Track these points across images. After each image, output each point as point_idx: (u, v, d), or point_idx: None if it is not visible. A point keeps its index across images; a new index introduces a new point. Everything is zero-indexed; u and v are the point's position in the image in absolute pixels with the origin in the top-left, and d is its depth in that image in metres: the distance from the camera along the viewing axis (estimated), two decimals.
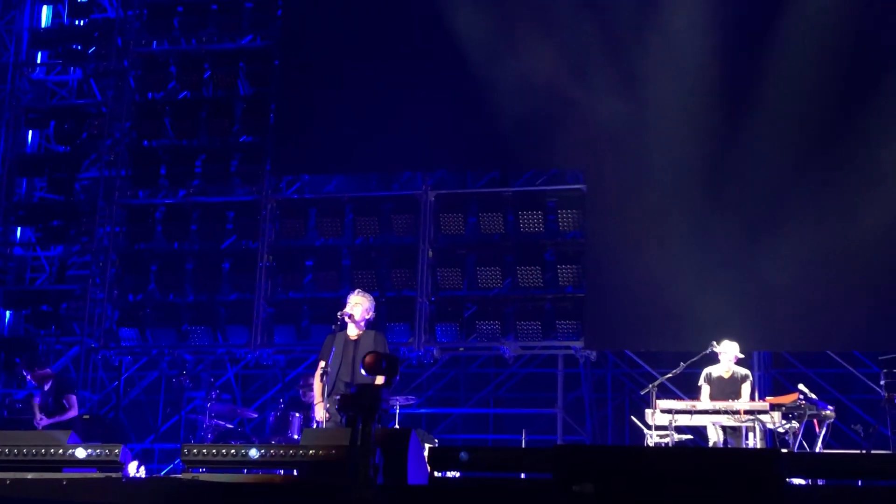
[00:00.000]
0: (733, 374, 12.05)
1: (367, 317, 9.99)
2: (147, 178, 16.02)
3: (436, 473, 7.88)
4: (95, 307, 15.81)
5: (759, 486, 5.35)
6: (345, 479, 7.38)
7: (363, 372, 7.38)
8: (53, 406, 12.45)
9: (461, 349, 15.21)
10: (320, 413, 9.71)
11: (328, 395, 9.68)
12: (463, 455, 7.33)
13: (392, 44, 15.31)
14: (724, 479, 5.37)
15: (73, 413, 12.42)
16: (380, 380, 7.42)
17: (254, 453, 7.80)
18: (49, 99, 17.09)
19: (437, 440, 12.98)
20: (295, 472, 8.16)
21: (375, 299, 14.16)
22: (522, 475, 8.32)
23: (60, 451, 8.24)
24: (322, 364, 9.76)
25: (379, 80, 15.17)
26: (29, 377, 12.78)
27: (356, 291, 10.16)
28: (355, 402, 7.12)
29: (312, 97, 15.53)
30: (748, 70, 14.09)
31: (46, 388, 12.67)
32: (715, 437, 11.71)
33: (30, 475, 7.91)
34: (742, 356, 12.19)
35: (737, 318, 13.45)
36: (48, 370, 13.16)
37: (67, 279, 16.44)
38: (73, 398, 12.43)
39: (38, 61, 17.14)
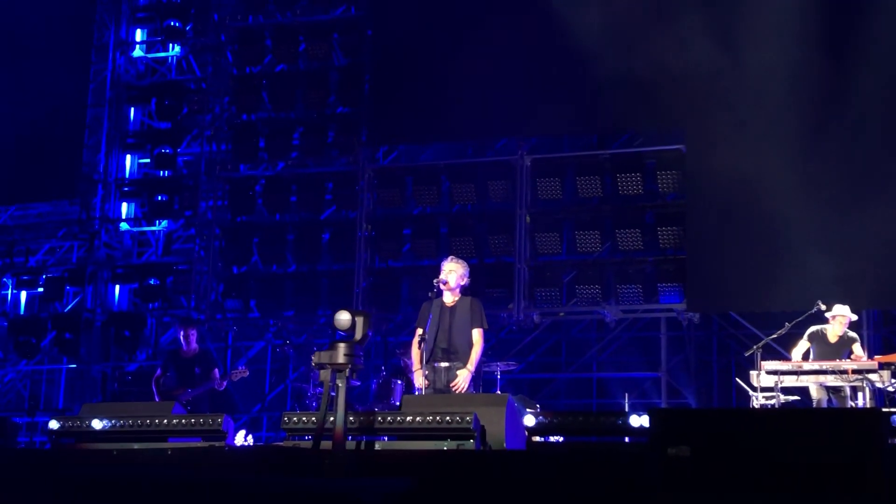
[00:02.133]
0: (840, 337, 11.75)
1: (463, 283, 9.96)
2: (247, 151, 16.24)
3: (534, 438, 7.87)
4: (201, 280, 16.11)
5: (863, 447, 5.21)
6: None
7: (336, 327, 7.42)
8: (200, 376, 12.44)
9: (562, 314, 15.13)
10: (419, 380, 9.74)
11: (426, 363, 9.71)
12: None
13: (485, 9, 15.19)
14: (825, 440, 5.24)
15: (217, 385, 12.47)
16: (359, 334, 7.42)
17: (352, 419, 7.85)
18: (149, 76, 17.39)
19: (538, 405, 12.95)
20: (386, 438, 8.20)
21: (473, 266, 14.23)
22: (626, 439, 8.27)
23: (165, 421, 8.43)
24: (419, 331, 9.78)
25: (472, 46, 15.06)
26: (182, 336, 12.62)
27: (450, 258, 10.14)
28: (328, 358, 7.21)
29: (406, 66, 15.53)
30: (853, 26, 13.65)
31: (189, 356, 12.60)
32: (818, 397, 11.47)
33: (136, 445, 8.10)
34: (855, 318, 11.89)
35: (844, 276, 13.15)
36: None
37: (173, 253, 16.80)
38: (217, 371, 12.54)
39: (137, 39, 17.43)
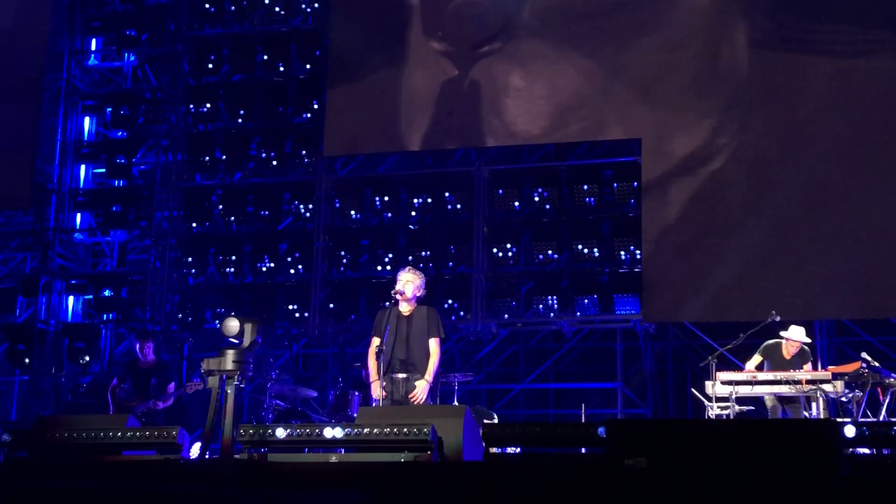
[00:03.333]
0: (794, 355, 11.85)
1: (419, 294, 9.95)
2: (203, 161, 16.14)
3: (491, 450, 7.87)
4: (156, 291, 15.97)
5: (818, 457, 5.25)
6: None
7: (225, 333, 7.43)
8: (156, 388, 12.33)
9: (519, 325, 15.17)
10: (377, 391, 9.70)
11: (384, 374, 9.68)
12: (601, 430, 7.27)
13: None
14: (780, 450, 5.28)
15: (167, 402, 12.37)
16: (247, 341, 7.43)
17: (308, 431, 7.83)
18: (105, 85, 17.24)
19: (496, 416, 12.96)
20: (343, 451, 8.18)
21: (432, 277, 14.30)
22: (583, 450, 8.28)
23: (120, 434, 8.34)
24: (376, 341, 9.74)
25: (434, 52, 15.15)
26: (138, 348, 12.51)
27: (406, 269, 10.13)
28: (217, 365, 7.22)
29: (364, 76, 15.51)
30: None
31: (146, 367, 12.50)
32: (772, 406, 11.56)
33: (90, 458, 8.01)
34: (809, 341, 11.99)
35: (797, 286, 13.29)
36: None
37: (128, 264, 16.64)
38: (172, 386, 12.44)
39: (93, 48, 17.28)
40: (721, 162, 13.98)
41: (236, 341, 7.32)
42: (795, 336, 11.78)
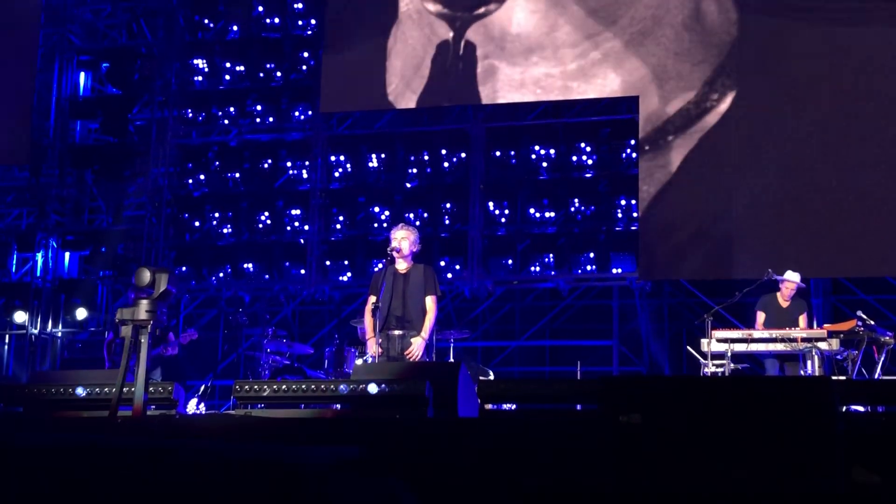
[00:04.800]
0: (791, 303, 11.87)
1: (414, 249, 9.95)
2: (199, 118, 16.07)
3: (486, 406, 7.89)
4: (152, 247, 15.97)
5: (812, 414, 5.26)
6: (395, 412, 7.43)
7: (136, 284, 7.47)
8: (154, 339, 12.28)
9: (515, 283, 15.18)
10: (373, 348, 9.72)
11: (380, 331, 9.69)
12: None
13: None
14: (775, 407, 5.28)
15: (174, 350, 12.33)
16: (158, 291, 7.45)
17: (304, 387, 7.84)
18: (100, 41, 17.13)
19: (492, 373, 12.99)
20: (338, 406, 8.21)
21: (428, 234, 14.29)
22: (578, 407, 8.31)
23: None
24: (372, 299, 9.75)
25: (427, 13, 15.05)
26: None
27: (400, 226, 10.12)
28: (130, 315, 7.26)
29: (362, 32, 15.42)
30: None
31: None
32: (771, 366, 11.59)
33: (85, 413, 8.02)
34: (804, 286, 12.00)
35: (793, 244, 13.30)
36: None
37: (124, 220, 16.60)
38: (171, 335, 12.39)
39: (88, 3, 17.15)
40: (715, 118, 13.94)
41: (149, 291, 7.38)
42: (790, 277, 11.79)
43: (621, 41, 14.35)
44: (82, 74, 16.94)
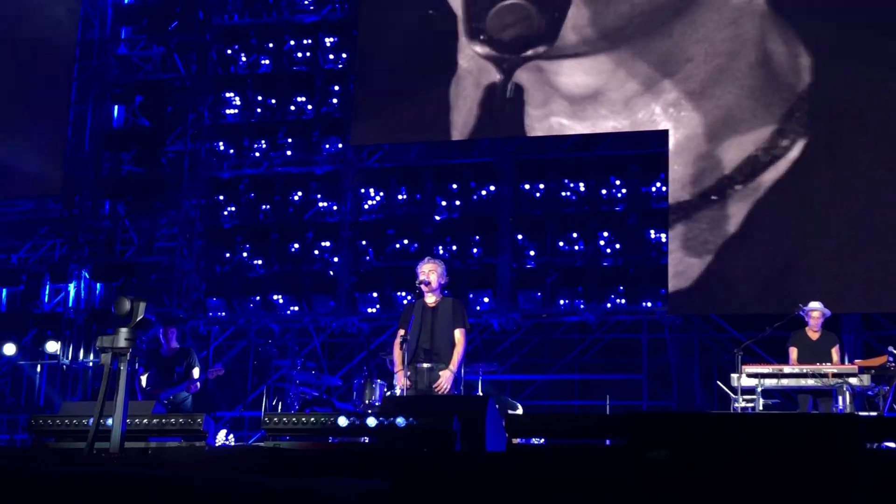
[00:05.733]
0: (821, 336, 11.80)
1: (442, 282, 10.00)
2: (231, 150, 16.21)
3: (514, 440, 7.87)
4: (183, 278, 16.09)
5: (838, 453, 5.23)
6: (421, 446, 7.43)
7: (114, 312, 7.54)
8: (181, 375, 12.32)
9: (544, 316, 15.16)
10: (401, 381, 9.74)
11: (409, 363, 9.72)
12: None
13: None
14: (801, 445, 5.26)
15: (195, 387, 12.34)
16: (135, 319, 7.50)
17: (342, 421, 7.87)
18: (134, 74, 17.33)
19: (520, 407, 12.96)
20: (366, 439, 8.21)
21: (456, 267, 14.32)
22: (607, 442, 8.27)
23: (146, 420, 8.40)
24: (401, 332, 9.79)
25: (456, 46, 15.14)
26: (161, 334, 12.49)
27: (426, 259, 10.16)
28: (110, 343, 7.31)
29: (392, 66, 15.52)
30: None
31: (169, 354, 12.50)
32: (803, 401, 11.52)
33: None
34: (829, 313, 11.93)
35: (824, 279, 13.22)
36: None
37: (155, 251, 16.73)
38: (198, 370, 12.41)
39: (123, 37, 17.38)
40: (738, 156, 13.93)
41: (127, 320, 7.47)
42: (813, 306, 11.74)
43: (677, 85, 14.26)
44: (116, 107, 17.10)
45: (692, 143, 14.12)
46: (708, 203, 13.98)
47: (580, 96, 14.56)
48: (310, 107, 16.00)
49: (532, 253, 14.95)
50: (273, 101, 16.11)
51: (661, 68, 14.29)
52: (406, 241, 15.26)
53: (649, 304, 14.52)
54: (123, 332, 7.38)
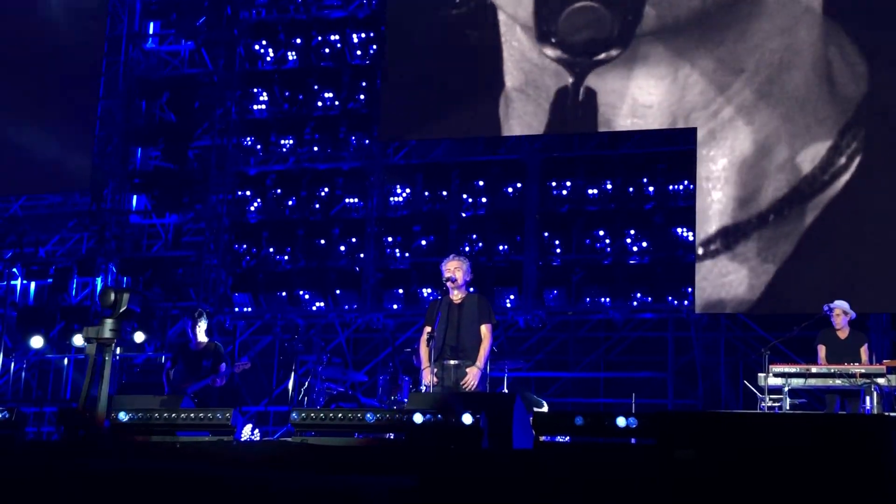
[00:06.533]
0: (849, 335, 11.74)
1: (468, 278, 10.03)
2: (258, 145, 16.26)
3: (541, 438, 7.87)
4: (210, 273, 16.15)
5: (868, 453, 5.22)
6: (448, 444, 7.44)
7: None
8: (208, 369, 12.37)
9: (570, 313, 15.15)
10: (428, 377, 9.76)
11: (435, 360, 9.73)
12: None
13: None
14: (829, 445, 5.24)
15: (221, 381, 12.38)
16: (120, 310, 7.54)
17: (368, 417, 7.89)
18: (162, 69, 17.40)
19: (546, 404, 12.95)
20: (392, 436, 8.22)
21: (482, 264, 14.32)
22: (633, 440, 8.26)
23: (174, 414, 8.44)
24: (427, 329, 9.80)
25: (483, 42, 15.13)
26: (190, 328, 12.50)
27: (451, 257, 10.17)
28: (95, 333, 7.37)
29: (419, 62, 15.53)
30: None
31: (197, 349, 12.53)
32: (831, 401, 11.46)
33: (142, 438, 8.12)
34: (853, 314, 11.86)
35: (852, 279, 13.16)
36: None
37: (182, 246, 16.80)
38: (224, 366, 12.46)
39: (150, 32, 17.45)
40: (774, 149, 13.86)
41: (111, 310, 7.54)
42: (837, 304, 11.67)
43: (747, 87, 14.09)
44: (144, 102, 17.16)
45: (748, 155, 13.98)
46: (730, 202, 13.94)
47: (644, 103, 14.43)
48: (337, 103, 16.02)
49: (558, 250, 14.93)
50: (300, 96, 16.13)
51: (720, 77, 14.15)
52: (432, 238, 15.26)
53: (675, 303, 14.48)
54: (108, 322, 7.48)
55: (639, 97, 14.46)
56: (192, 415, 8.48)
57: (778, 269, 13.62)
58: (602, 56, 14.63)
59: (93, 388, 7.52)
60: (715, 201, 14.04)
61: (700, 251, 14.02)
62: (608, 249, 14.70)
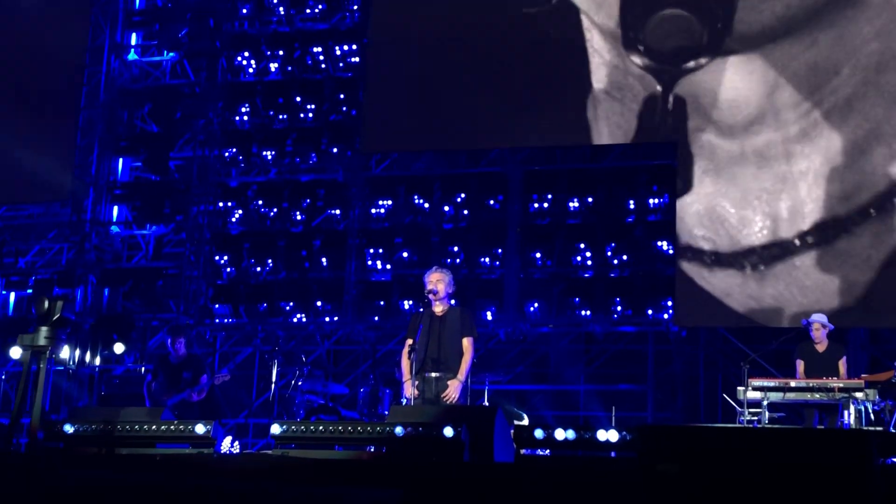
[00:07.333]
0: (828, 347, 11.80)
1: (450, 290, 10.07)
2: (239, 157, 16.24)
3: (521, 451, 7.89)
4: (190, 284, 16.12)
5: (848, 468, 5.24)
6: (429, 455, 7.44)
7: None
8: (189, 382, 12.36)
9: (550, 326, 15.16)
10: (409, 390, 9.76)
11: (416, 373, 9.73)
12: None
13: (480, 19, 15.26)
14: (810, 460, 5.27)
15: (201, 395, 12.37)
16: (54, 317, 7.60)
17: (340, 429, 7.89)
18: (144, 80, 17.37)
19: (526, 417, 12.97)
20: (380, 449, 8.22)
21: (464, 276, 14.34)
22: (612, 454, 8.28)
23: (154, 427, 8.42)
24: (409, 342, 9.81)
25: (467, 55, 15.15)
26: (170, 343, 12.53)
27: (433, 269, 10.22)
28: (30, 341, 7.41)
29: (401, 75, 15.56)
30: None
31: (178, 362, 12.60)
32: (809, 415, 11.51)
33: (124, 450, 8.09)
34: (831, 327, 11.93)
35: (829, 294, 13.21)
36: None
37: (163, 257, 16.76)
38: (205, 378, 12.46)
39: (133, 43, 17.42)
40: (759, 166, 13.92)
41: (46, 318, 7.56)
42: (816, 318, 11.75)
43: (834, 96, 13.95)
44: (125, 112, 17.12)
45: (830, 163, 13.89)
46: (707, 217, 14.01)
47: (733, 111, 14.32)
48: (319, 115, 16.02)
49: (539, 263, 14.95)
50: (282, 108, 16.13)
51: (810, 81, 14.00)
52: (413, 250, 15.26)
53: (655, 316, 14.52)
54: (43, 330, 7.49)
55: (727, 103, 14.33)
56: (171, 427, 8.46)
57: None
58: (691, 64, 14.58)
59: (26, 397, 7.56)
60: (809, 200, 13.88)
61: (797, 242, 13.83)
62: (589, 262, 14.73)
